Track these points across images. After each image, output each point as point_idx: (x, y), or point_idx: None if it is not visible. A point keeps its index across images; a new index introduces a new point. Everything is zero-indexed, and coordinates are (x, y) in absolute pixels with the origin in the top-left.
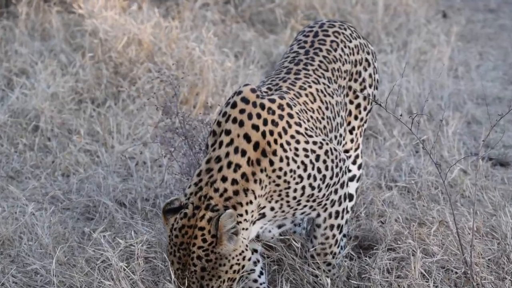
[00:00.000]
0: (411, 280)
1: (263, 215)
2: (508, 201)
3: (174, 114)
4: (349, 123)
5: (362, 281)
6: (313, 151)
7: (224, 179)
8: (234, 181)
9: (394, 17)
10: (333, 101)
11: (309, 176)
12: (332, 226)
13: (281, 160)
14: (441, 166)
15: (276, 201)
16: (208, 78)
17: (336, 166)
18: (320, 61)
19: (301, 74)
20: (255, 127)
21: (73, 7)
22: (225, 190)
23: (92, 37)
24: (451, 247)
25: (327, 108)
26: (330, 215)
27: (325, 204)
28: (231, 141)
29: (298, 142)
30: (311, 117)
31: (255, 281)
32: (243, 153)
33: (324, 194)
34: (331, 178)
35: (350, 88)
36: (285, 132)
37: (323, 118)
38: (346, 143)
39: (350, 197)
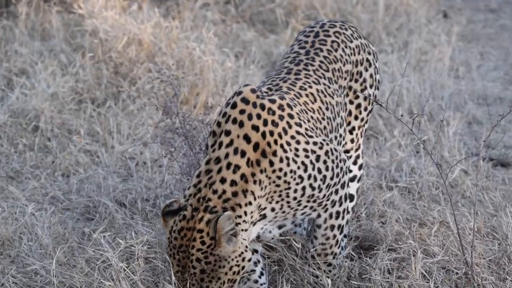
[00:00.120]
0: (412, 280)
1: (263, 216)
2: (509, 202)
3: (174, 114)
4: (349, 123)
5: (362, 281)
6: (313, 152)
7: (223, 180)
8: (233, 182)
9: (394, 17)
10: (333, 101)
11: (309, 176)
12: (332, 227)
13: (281, 160)
14: (442, 167)
15: (277, 202)
16: (208, 78)
17: (337, 167)
18: (321, 62)
19: (302, 74)
20: (255, 128)
21: (73, 7)
22: (224, 191)
23: (92, 37)
24: (452, 248)
25: (327, 109)
26: (330, 216)
27: (326, 205)
28: (231, 142)
29: (298, 142)
30: (312, 117)
31: (256, 281)
32: (243, 154)
33: (324, 195)
34: (331, 179)
35: (350, 88)
36: (285, 132)
37: (323, 119)
38: (346, 143)
39: (351, 197)
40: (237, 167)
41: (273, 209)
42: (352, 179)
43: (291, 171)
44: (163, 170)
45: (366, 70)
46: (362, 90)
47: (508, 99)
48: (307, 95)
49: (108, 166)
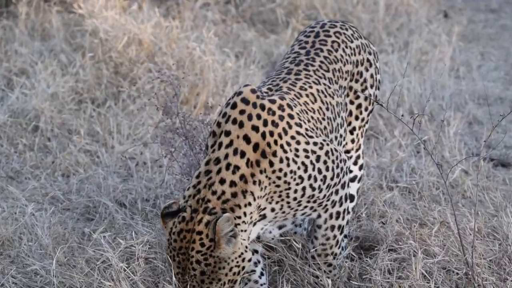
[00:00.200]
0: (412, 281)
1: (263, 216)
2: (509, 202)
3: (175, 114)
4: (350, 124)
5: (363, 282)
6: (313, 152)
7: (222, 181)
8: (233, 183)
9: (395, 17)
10: (333, 101)
11: (309, 177)
12: (333, 227)
13: (281, 161)
14: (442, 167)
15: (277, 202)
16: (208, 78)
17: (337, 167)
18: (321, 62)
19: (302, 74)
20: (255, 128)
21: (73, 7)
22: (223, 192)
23: (92, 37)
24: (452, 248)
25: (327, 109)
26: (331, 216)
27: (326, 205)
28: (231, 143)
29: (298, 143)
30: (312, 117)
31: (256, 282)
32: (242, 154)
33: (324, 195)
34: (331, 179)
35: (351, 88)
36: (285, 133)
37: (323, 119)
38: (347, 143)
39: (351, 197)
40: (237, 167)
41: (273, 210)
42: (352, 180)
43: (291, 172)
44: (163, 170)
45: (367, 70)
46: (362, 90)
47: (509, 99)
48: (307, 95)
49: (108, 166)
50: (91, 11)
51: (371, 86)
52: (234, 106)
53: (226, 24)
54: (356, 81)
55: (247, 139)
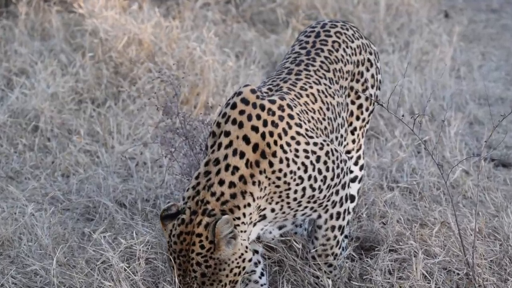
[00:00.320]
0: (413, 281)
1: (263, 217)
2: (510, 202)
3: (175, 115)
4: (350, 124)
5: (363, 282)
6: (313, 152)
7: (221, 182)
8: (232, 184)
9: (396, 17)
10: (334, 102)
11: (309, 177)
12: (333, 227)
13: (281, 161)
14: (443, 167)
15: (277, 203)
16: (209, 78)
17: (337, 167)
18: (322, 62)
19: (302, 74)
20: (255, 129)
21: (73, 6)
22: (222, 193)
23: (92, 37)
24: (453, 248)
25: (328, 109)
26: (331, 216)
27: (326, 205)
28: (230, 143)
29: (298, 143)
30: (312, 118)
31: (256, 282)
32: (242, 155)
33: (325, 195)
34: (332, 179)
35: (352, 88)
36: (285, 133)
37: (324, 119)
38: (347, 144)
39: (352, 198)
40: (236, 168)
41: (273, 210)
42: (353, 180)
43: (291, 172)
44: (164, 170)
45: (368, 70)
46: (363, 90)
47: (510, 99)
48: (307, 96)
49: (108, 166)
50: (91, 10)
51: (372, 86)
52: (233, 106)
53: (227, 24)
54: (357, 81)
55: (246, 139)
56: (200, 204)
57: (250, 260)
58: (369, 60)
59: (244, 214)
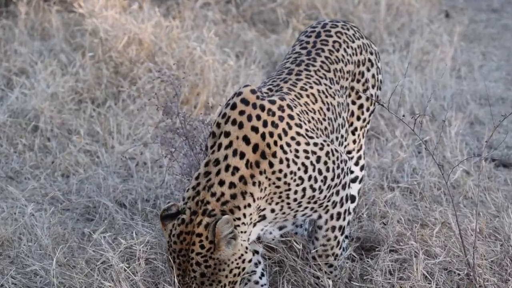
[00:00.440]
0: (414, 282)
1: (263, 217)
2: (511, 202)
3: (175, 114)
4: (351, 124)
5: (364, 282)
6: (313, 153)
7: (221, 182)
8: (232, 185)
9: (396, 17)
10: (334, 102)
11: (309, 177)
12: (333, 228)
13: (281, 162)
14: (444, 167)
15: (277, 203)
16: (209, 78)
17: (338, 168)
18: (322, 62)
19: (303, 75)
20: (255, 129)
21: (73, 6)
22: (222, 194)
23: (92, 36)
24: (454, 249)
25: (328, 109)
26: (331, 217)
27: (327, 206)
28: (230, 144)
29: (298, 143)
30: (312, 118)
31: (257, 282)
32: (242, 155)
33: (325, 196)
34: (332, 180)
35: (352, 88)
36: (285, 133)
37: (324, 119)
38: (348, 144)
39: (352, 198)
40: (236, 169)
41: (272, 210)
42: (353, 180)
43: (291, 173)
44: (164, 170)
45: (368, 70)
46: (364, 91)
47: (511, 100)
48: (308, 96)
49: (108, 167)
50: (91, 10)
51: (373, 87)
52: (233, 106)
53: (227, 24)
54: (358, 81)
55: (246, 140)
56: (200, 204)
57: (250, 261)
58: (370, 60)
59: (244, 215)
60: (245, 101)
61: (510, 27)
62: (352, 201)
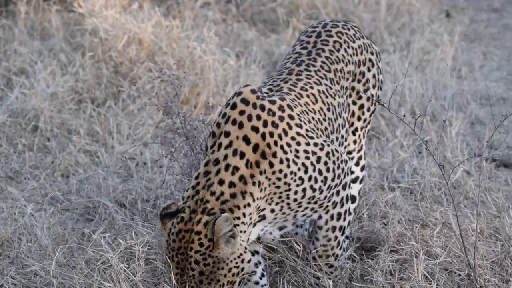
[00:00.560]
0: (414, 282)
1: (263, 217)
2: None
3: (175, 114)
4: (352, 124)
5: (364, 283)
6: (314, 153)
7: (221, 182)
8: (232, 184)
9: (397, 17)
10: (335, 102)
11: (310, 178)
12: (334, 228)
13: (281, 162)
14: (444, 167)
15: (277, 203)
16: (209, 78)
17: (338, 168)
18: (323, 62)
19: (303, 75)
20: (255, 129)
21: (73, 6)
22: (222, 193)
23: (92, 36)
24: (454, 249)
25: (328, 110)
26: (332, 217)
27: (327, 206)
28: (230, 143)
29: (298, 143)
30: (313, 118)
31: (257, 283)
32: (242, 155)
33: (325, 196)
34: (332, 180)
35: (353, 89)
36: (286, 133)
37: (324, 120)
38: (348, 144)
39: (353, 198)
40: (236, 168)
41: (272, 211)
42: (354, 180)
43: (291, 173)
44: (164, 170)
45: (369, 70)
46: (365, 91)
47: (511, 99)
48: (308, 96)
49: (108, 167)
50: (91, 10)
51: (373, 87)
52: (234, 106)
53: (227, 24)
54: (358, 81)
55: (246, 140)
56: (199, 203)
57: (249, 261)
58: (370, 60)
59: (244, 214)
60: (245, 101)
61: (511, 27)
62: (353, 202)
